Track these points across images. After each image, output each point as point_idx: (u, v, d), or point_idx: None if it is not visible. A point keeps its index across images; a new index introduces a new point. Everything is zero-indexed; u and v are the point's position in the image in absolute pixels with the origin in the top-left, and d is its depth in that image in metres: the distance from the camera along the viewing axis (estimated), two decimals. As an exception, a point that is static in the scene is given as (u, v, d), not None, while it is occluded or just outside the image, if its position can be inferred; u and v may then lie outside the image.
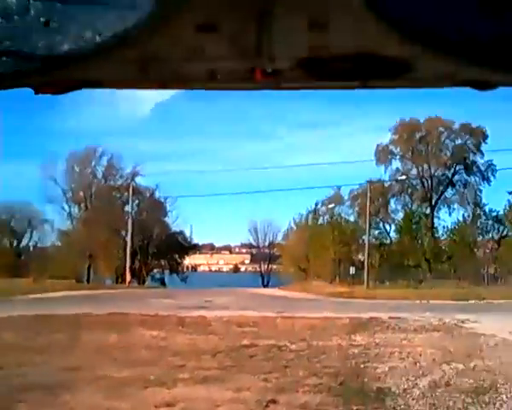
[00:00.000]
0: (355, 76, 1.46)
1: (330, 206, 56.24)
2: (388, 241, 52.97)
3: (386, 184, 57.71)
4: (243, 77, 1.49)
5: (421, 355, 11.58)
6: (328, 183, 72.96)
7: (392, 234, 54.21)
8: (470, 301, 27.23)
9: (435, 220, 56.83)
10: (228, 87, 1.71)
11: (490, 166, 56.55)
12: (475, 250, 46.25)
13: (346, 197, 58.09)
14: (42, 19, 1.01)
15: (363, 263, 42.23)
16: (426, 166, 56.91)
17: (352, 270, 42.55)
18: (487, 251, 46.08)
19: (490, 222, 55.61)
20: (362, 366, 10.69)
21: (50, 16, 1.00)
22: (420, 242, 47.16)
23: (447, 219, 75.76)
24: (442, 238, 50.46)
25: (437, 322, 17.50)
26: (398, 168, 58.09)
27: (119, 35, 1.00)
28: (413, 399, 8.29)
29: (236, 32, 1.19)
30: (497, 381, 9.10)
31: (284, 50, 1.31)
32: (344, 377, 9.63)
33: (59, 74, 1.19)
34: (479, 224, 56.16)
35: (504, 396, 8.22)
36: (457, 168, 57.57)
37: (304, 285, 40.08)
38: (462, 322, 17.32)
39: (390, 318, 18.70)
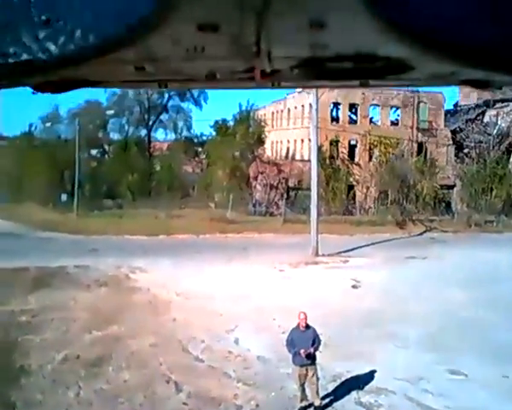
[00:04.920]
0: (355, 75, 1.48)
1: (48, 124, 55.59)
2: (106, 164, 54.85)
3: (104, 105, 59.25)
4: (243, 76, 1.50)
5: (75, 321, 14.29)
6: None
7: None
8: (160, 237, 30.79)
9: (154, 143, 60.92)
10: (227, 86, 1.77)
11: (202, 92, 62.13)
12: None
13: (64, 115, 58.18)
14: (42, 17, 0.99)
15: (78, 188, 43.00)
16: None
17: (64, 197, 43.20)
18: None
19: (199, 149, 61.59)
20: (19, 339, 12.98)
21: (51, 15, 0.99)
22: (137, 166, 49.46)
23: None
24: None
25: (112, 272, 20.29)
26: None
27: (119, 34, 1.01)
28: (43, 376, 10.97)
29: (236, 32, 1.18)
30: (116, 350, 12.29)
31: (284, 50, 1.32)
32: (-2, 355, 11.89)
33: (59, 73, 1.20)
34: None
35: (110, 368, 11.40)
36: (171, 94, 61.73)
37: (12, 210, 39.38)
38: (133, 272, 20.46)
39: (75, 267, 21.08)
